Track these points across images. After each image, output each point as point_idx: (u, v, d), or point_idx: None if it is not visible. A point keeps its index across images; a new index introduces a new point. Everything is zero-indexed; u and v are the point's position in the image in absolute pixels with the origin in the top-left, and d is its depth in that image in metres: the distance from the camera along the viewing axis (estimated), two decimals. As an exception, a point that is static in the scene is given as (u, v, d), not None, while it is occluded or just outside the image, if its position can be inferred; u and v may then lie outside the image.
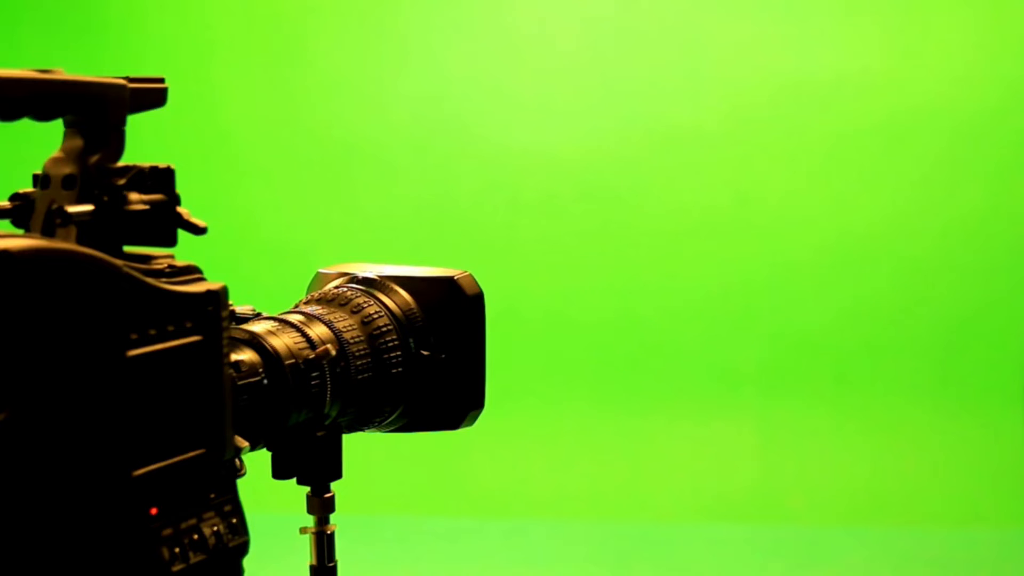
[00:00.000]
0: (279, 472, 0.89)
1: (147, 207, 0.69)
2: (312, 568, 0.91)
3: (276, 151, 3.40)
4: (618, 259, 3.26)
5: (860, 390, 3.18)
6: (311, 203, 3.38)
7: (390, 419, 0.96)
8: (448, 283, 0.98)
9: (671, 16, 3.22)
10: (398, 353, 0.93)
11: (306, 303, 0.94)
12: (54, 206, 0.67)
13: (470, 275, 1.00)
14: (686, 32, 3.22)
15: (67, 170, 0.68)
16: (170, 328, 0.67)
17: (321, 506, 0.90)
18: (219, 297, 0.70)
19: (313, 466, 0.88)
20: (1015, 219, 3.14)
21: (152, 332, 0.65)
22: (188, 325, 0.68)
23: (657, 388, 3.23)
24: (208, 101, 3.37)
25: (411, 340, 0.95)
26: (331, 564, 0.91)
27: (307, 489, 0.90)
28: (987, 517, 3.00)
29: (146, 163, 0.70)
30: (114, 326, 0.63)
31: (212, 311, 0.70)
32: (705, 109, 3.21)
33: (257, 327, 0.84)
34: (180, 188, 0.70)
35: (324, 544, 0.90)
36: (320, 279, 1.02)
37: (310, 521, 0.91)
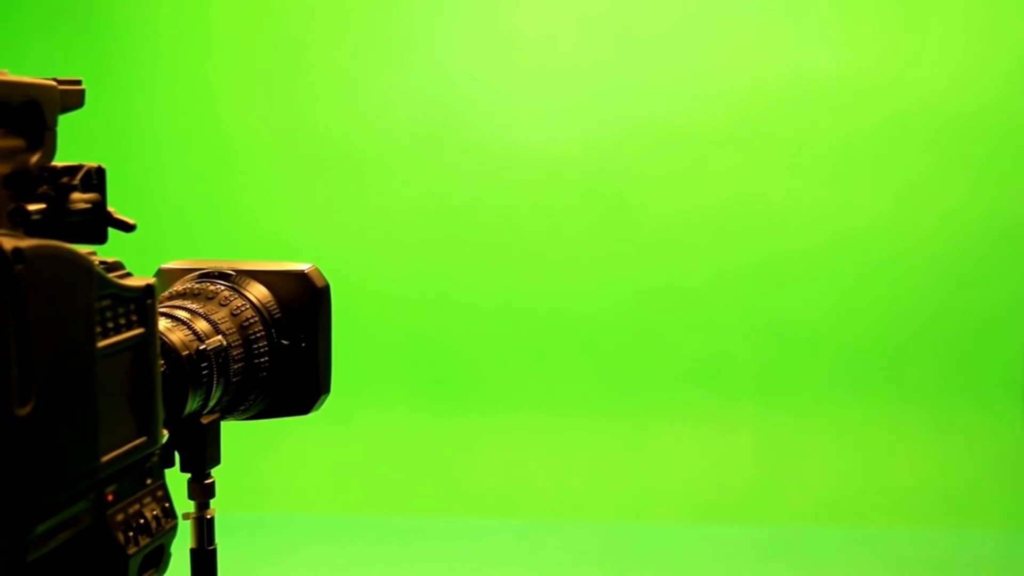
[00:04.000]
0: (161, 461, 0.91)
1: (89, 206, 0.71)
2: (192, 551, 0.94)
3: (276, 151, 3.29)
4: (618, 259, 3.26)
5: (858, 390, 3.21)
6: (311, 202, 3.29)
7: (252, 407, 1.00)
8: (300, 276, 1.03)
9: (671, 17, 3.24)
10: (264, 344, 0.98)
11: (171, 298, 0.97)
12: (10, 206, 0.68)
13: (317, 268, 1.06)
14: (686, 33, 3.24)
15: (6, 169, 0.69)
16: (122, 321, 0.70)
17: (201, 492, 0.94)
18: (154, 291, 0.74)
19: (197, 453, 0.92)
20: (1015, 218, 3.20)
21: (110, 325, 0.69)
22: (134, 318, 0.71)
23: (656, 388, 3.23)
24: (207, 100, 3.22)
25: (273, 331, 1.00)
26: (211, 547, 0.94)
27: (187, 476, 0.94)
28: (987, 517, 3.04)
29: (89, 163, 0.72)
30: (89, 319, 0.65)
31: (150, 304, 0.73)
32: (704, 109, 3.23)
33: (152, 321, 0.87)
34: (177, 185, 0.73)
35: (204, 528, 0.94)
36: (165, 275, 1.04)
37: (190, 506, 0.94)
